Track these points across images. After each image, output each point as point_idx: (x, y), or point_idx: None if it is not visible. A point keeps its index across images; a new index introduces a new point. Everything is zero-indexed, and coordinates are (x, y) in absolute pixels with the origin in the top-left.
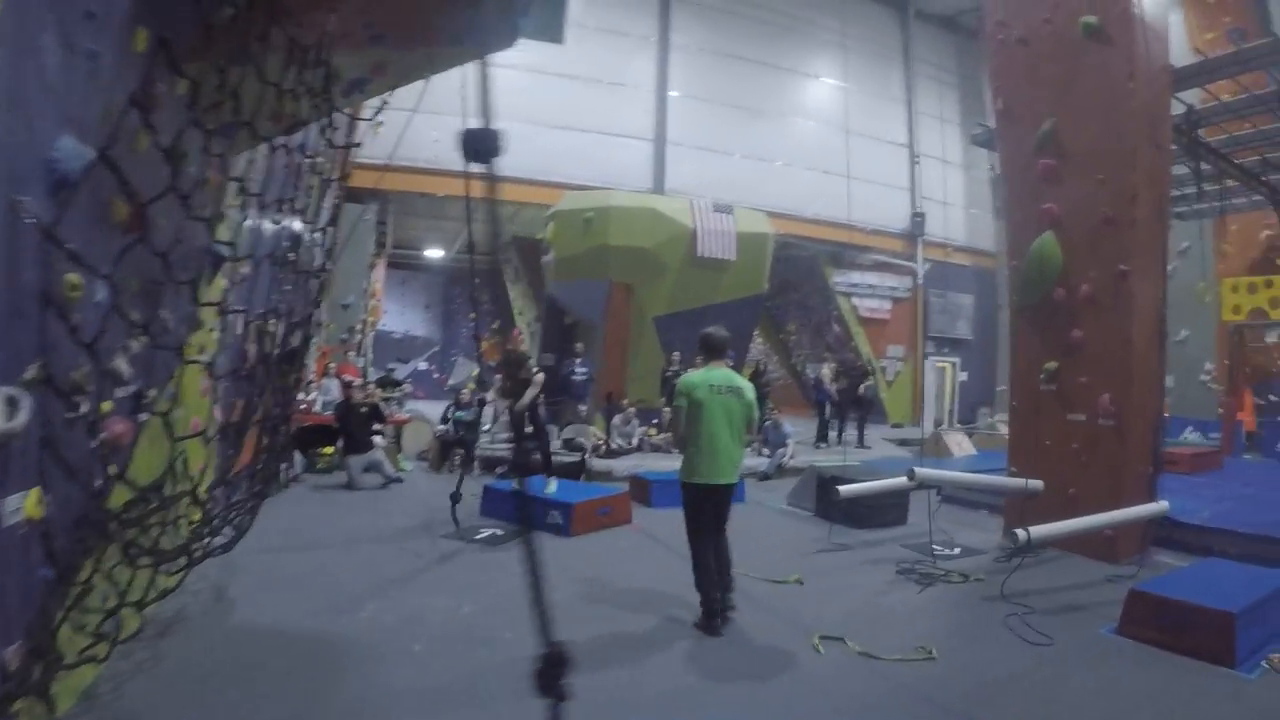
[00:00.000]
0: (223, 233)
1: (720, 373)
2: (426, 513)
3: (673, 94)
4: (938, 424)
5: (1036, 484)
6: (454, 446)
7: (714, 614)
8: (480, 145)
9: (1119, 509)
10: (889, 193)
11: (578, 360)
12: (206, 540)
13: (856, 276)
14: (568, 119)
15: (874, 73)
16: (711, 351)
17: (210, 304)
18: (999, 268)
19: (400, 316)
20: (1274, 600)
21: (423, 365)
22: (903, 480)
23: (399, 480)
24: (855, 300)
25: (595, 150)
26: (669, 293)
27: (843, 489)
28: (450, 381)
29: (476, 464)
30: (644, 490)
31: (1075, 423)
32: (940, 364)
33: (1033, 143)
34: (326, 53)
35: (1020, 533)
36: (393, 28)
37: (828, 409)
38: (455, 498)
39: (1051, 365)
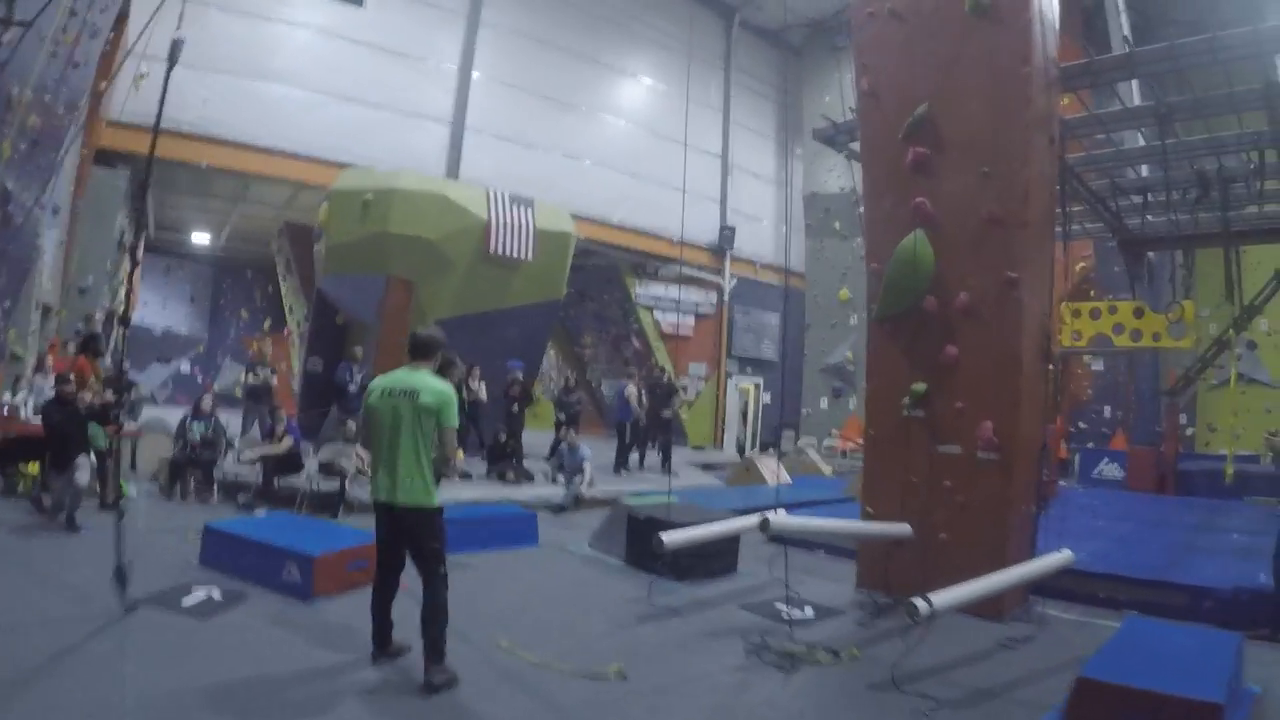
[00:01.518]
0: None
1: (401, 374)
2: (136, 558)
3: (477, 75)
4: (740, 448)
5: (903, 529)
6: (187, 467)
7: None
8: None
9: (1004, 556)
10: (699, 203)
11: (355, 366)
12: None
13: (660, 289)
14: (360, 91)
15: (693, 78)
16: (414, 352)
17: None
18: (807, 287)
19: (162, 310)
20: (1238, 671)
21: (185, 368)
22: (742, 524)
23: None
24: (658, 314)
25: (387, 129)
26: (455, 293)
27: (667, 539)
28: (215, 387)
29: (216, 490)
30: None
31: (948, 455)
32: (743, 385)
33: (902, 128)
34: None
35: (920, 604)
36: None
37: (628, 431)
38: (119, 576)
39: (920, 387)
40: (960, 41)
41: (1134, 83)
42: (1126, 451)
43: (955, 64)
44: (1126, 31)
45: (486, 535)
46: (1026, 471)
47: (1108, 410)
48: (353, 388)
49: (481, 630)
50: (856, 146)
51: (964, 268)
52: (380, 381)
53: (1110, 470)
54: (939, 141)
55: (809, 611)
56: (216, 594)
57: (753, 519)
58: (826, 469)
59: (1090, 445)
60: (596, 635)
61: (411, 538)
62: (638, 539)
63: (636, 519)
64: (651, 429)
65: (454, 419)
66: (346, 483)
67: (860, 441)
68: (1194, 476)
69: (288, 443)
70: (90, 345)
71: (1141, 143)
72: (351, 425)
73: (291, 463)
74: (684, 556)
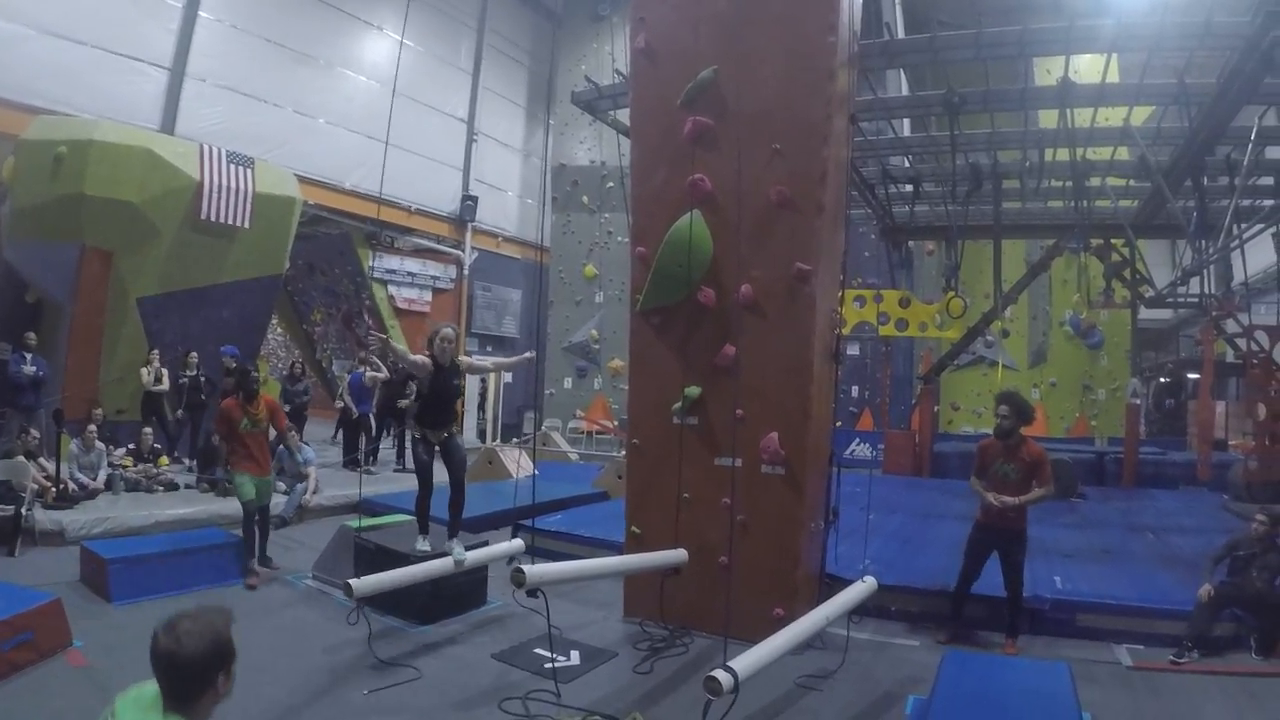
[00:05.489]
0: None
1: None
2: None
3: (205, 16)
4: (480, 433)
5: (679, 555)
6: None
7: None
8: None
9: (794, 580)
10: (440, 170)
11: (28, 356)
12: None
13: (395, 261)
14: (67, 26)
15: (444, 37)
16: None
17: None
18: (552, 262)
19: None
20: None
21: None
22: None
23: None
24: (392, 289)
25: (95, 71)
26: (160, 266)
27: (357, 587)
28: None
29: None
30: (99, 574)
31: (726, 469)
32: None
33: (682, 94)
34: None
35: (723, 677)
36: None
37: (370, 420)
38: None
39: (693, 391)
40: (754, 1)
41: (902, 73)
42: (883, 434)
43: (750, 25)
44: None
45: (188, 571)
46: (816, 485)
47: (855, 390)
48: (23, 382)
49: None
50: (621, 115)
51: (747, 256)
52: None
53: (861, 451)
54: (724, 111)
55: (575, 656)
56: None
57: (491, 551)
58: (574, 454)
59: (839, 425)
60: (303, 708)
61: None
62: (368, 572)
63: (366, 548)
64: (385, 420)
65: None
66: (23, 508)
67: (605, 424)
68: (947, 458)
69: None
70: None
71: (907, 133)
72: (34, 434)
73: None
74: (419, 593)
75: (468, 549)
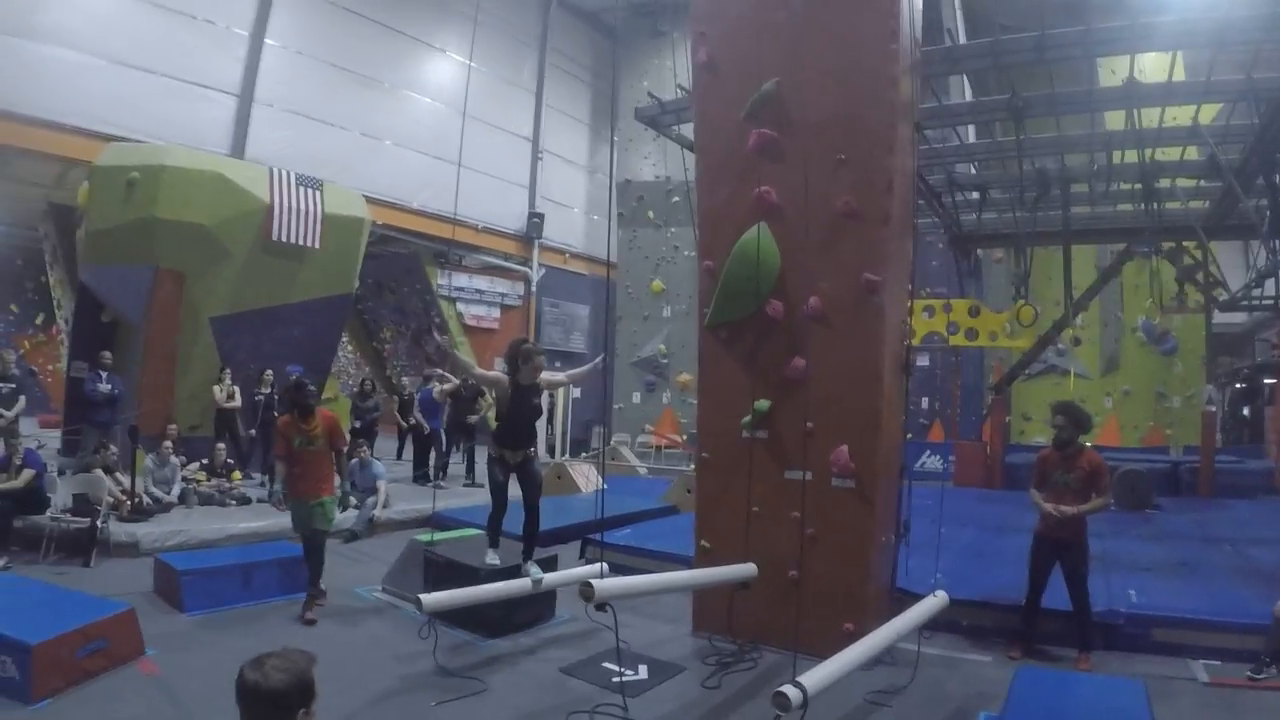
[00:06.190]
0: None
1: None
2: None
3: (271, 43)
4: (550, 449)
5: (749, 569)
6: None
7: None
8: None
9: (864, 595)
10: (506, 189)
11: (104, 374)
12: None
13: (464, 279)
14: (138, 56)
15: (506, 57)
16: None
17: None
18: (619, 278)
19: None
20: None
21: None
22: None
23: None
24: (461, 306)
25: (167, 99)
26: (232, 287)
27: (426, 600)
28: None
29: None
30: (171, 585)
31: (796, 482)
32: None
33: (745, 107)
34: None
35: (792, 693)
36: None
37: (441, 436)
38: None
39: (762, 405)
40: (817, 10)
41: (965, 79)
42: (953, 445)
43: (810, 35)
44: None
45: (258, 583)
46: (887, 499)
47: (925, 401)
48: (99, 400)
49: None
50: (684, 129)
51: (815, 268)
52: None
53: (932, 463)
54: (788, 123)
55: (643, 671)
56: None
57: (567, 575)
58: (642, 469)
59: (909, 436)
60: None
61: None
62: (438, 585)
63: (435, 562)
64: (455, 435)
65: None
66: (99, 521)
67: (674, 438)
68: (1019, 470)
69: (27, 475)
70: None
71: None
72: (113, 450)
73: (34, 500)
74: (490, 608)
75: (538, 563)
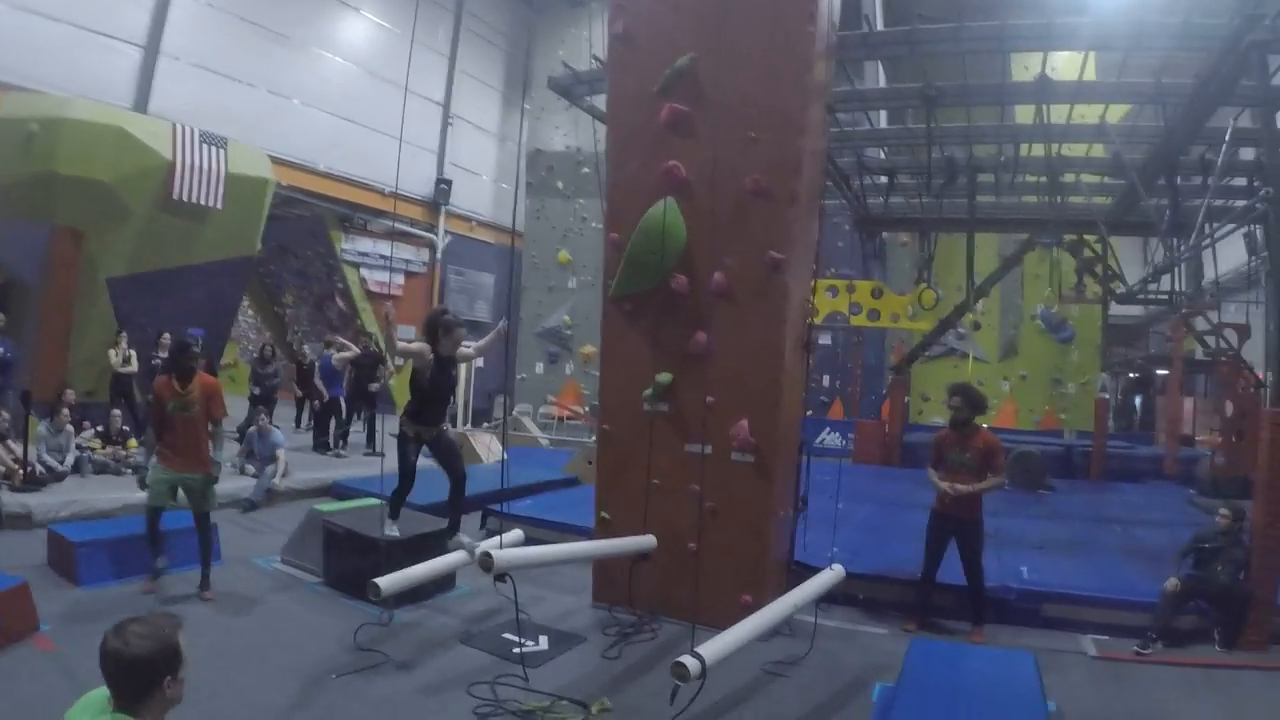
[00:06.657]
0: None
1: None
2: None
3: None
4: (451, 417)
5: (648, 541)
6: None
7: None
8: None
9: (763, 567)
10: (415, 154)
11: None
12: None
13: (368, 244)
14: (37, 1)
15: (421, 19)
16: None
17: None
18: (525, 247)
19: None
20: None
21: None
22: (460, 557)
23: None
24: (364, 272)
25: (68, 48)
26: (131, 246)
27: (384, 585)
28: None
29: None
30: (66, 557)
31: (696, 455)
32: None
33: (660, 81)
34: None
35: (690, 663)
36: None
37: (341, 404)
38: None
39: (664, 378)
40: None
41: (880, 65)
42: (853, 423)
43: (729, 13)
44: (877, 12)
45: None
46: (786, 474)
47: (826, 380)
48: None
49: None
50: (598, 100)
51: (721, 244)
52: None
53: (832, 440)
54: (701, 99)
55: (543, 641)
56: None
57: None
58: (544, 440)
59: (810, 413)
60: (285, 708)
61: None
62: (338, 557)
63: (335, 533)
64: (356, 403)
65: None
66: None
67: (576, 409)
68: (917, 448)
69: None
70: None
71: (884, 125)
72: (4, 416)
73: None
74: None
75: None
